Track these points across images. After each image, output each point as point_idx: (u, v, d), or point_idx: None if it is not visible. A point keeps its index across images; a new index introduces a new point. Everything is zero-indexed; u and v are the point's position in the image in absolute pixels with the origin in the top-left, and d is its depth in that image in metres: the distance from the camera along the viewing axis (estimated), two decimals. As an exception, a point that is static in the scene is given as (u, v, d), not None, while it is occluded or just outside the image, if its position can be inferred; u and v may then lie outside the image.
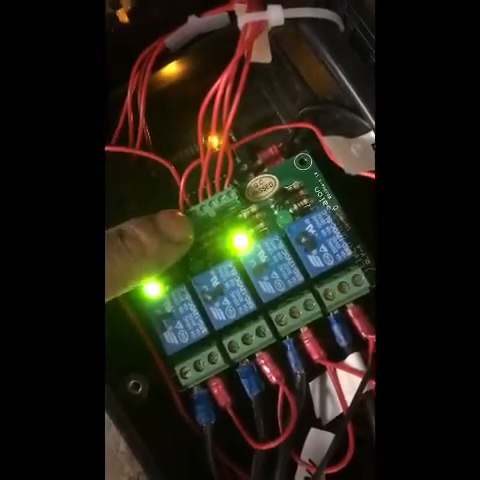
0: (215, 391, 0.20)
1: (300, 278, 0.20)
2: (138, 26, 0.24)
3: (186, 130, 0.24)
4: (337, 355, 0.21)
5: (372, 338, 0.20)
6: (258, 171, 0.23)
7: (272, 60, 0.21)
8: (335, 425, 0.21)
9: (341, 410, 0.21)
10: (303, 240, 0.21)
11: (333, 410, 0.21)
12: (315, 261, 0.20)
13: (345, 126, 0.22)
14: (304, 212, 0.22)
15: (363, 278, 0.20)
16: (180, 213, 0.21)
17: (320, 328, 0.21)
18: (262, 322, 0.20)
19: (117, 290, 0.18)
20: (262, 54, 0.20)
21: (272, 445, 0.19)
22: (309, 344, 0.21)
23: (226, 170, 0.22)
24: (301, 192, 0.23)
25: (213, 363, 0.20)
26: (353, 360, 0.20)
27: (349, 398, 0.20)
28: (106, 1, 0.23)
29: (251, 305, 0.20)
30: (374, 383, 0.20)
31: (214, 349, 0.20)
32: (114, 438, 0.28)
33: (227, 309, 0.20)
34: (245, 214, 0.23)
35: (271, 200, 0.23)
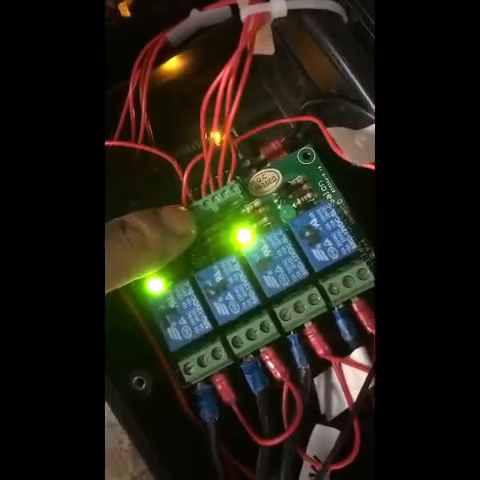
0: (219, 387, 0.20)
1: (304, 272, 0.20)
2: (140, 20, 0.24)
3: (188, 125, 0.24)
4: (342, 350, 0.21)
5: (377, 333, 0.20)
6: (261, 166, 0.23)
7: (274, 53, 0.21)
8: (340, 421, 0.21)
9: (346, 406, 0.20)
10: (307, 234, 0.21)
11: (338, 406, 0.21)
12: (319, 255, 0.20)
13: (349, 118, 0.22)
14: (308, 206, 0.22)
15: (368, 272, 0.20)
16: (183, 207, 0.21)
17: (325, 323, 0.20)
18: (266, 317, 0.20)
19: (118, 281, 0.18)
20: (265, 46, 0.20)
21: (277, 441, 0.19)
22: (314, 339, 0.20)
23: (228, 165, 0.22)
24: (304, 186, 0.23)
25: (217, 359, 0.20)
26: (358, 355, 0.20)
27: (355, 393, 0.20)
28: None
29: (255, 300, 0.20)
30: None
31: (218, 345, 0.20)
32: (118, 437, 0.28)
33: (231, 304, 0.20)
34: (248, 209, 0.22)
35: (274, 194, 0.22)
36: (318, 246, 0.20)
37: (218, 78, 0.20)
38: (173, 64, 0.25)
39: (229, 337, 0.20)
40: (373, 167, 0.21)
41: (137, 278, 0.19)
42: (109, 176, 0.23)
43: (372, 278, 0.20)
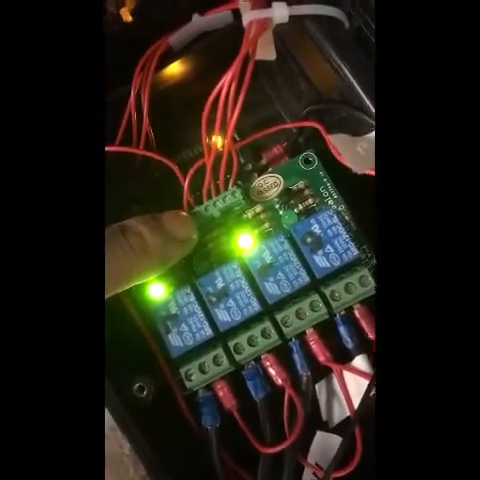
0: (220, 393, 0.20)
1: (306, 279, 0.20)
2: (141, 25, 0.24)
3: (190, 129, 0.24)
4: (344, 357, 0.20)
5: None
6: (262, 171, 0.23)
7: (276, 58, 0.21)
8: (342, 428, 0.20)
9: (348, 413, 0.20)
10: (309, 240, 0.20)
11: (340, 413, 0.21)
12: (321, 261, 0.20)
13: (351, 124, 0.22)
14: (309, 212, 0.22)
15: (370, 278, 0.20)
16: (184, 213, 0.21)
17: (326, 329, 0.20)
18: (268, 323, 0.20)
19: (119, 286, 0.18)
20: (267, 51, 0.20)
21: (278, 449, 0.19)
22: (315, 346, 0.20)
23: (230, 170, 0.22)
24: (306, 192, 0.23)
25: (218, 365, 0.20)
26: (360, 362, 0.20)
27: (356, 400, 0.20)
28: (109, 0, 0.23)
29: (256, 306, 0.20)
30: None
31: (219, 351, 0.20)
32: (119, 441, 0.28)
33: (232, 310, 0.20)
34: (250, 214, 0.22)
35: (276, 200, 0.22)
36: (320, 252, 0.20)
37: (220, 83, 0.20)
38: (175, 69, 0.25)
39: (230, 343, 0.20)
40: (374, 173, 0.21)
41: (138, 283, 0.19)
42: (111, 181, 0.23)
43: (374, 285, 0.20)
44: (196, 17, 0.23)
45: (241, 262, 0.21)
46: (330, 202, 0.22)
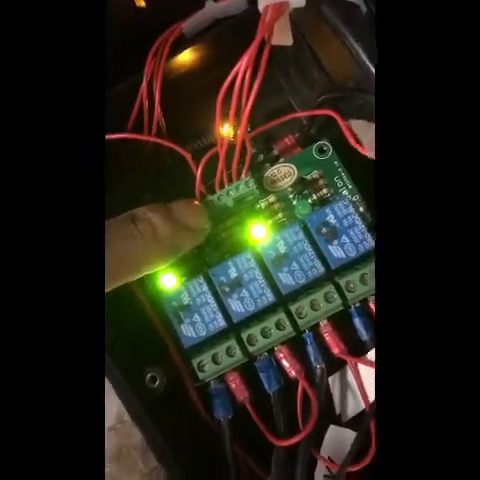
0: (233, 385, 0.20)
1: (321, 269, 0.20)
2: (155, 11, 0.23)
3: (202, 118, 0.24)
4: (358, 349, 0.20)
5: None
6: (274, 162, 0.23)
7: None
8: (356, 422, 0.20)
9: (362, 406, 0.20)
10: (324, 230, 0.20)
11: (354, 406, 0.21)
12: (336, 252, 0.20)
13: (367, 111, 0.21)
14: (323, 202, 0.22)
15: (386, 270, 0.19)
16: (196, 201, 0.21)
17: (341, 321, 0.20)
18: (282, 315, 0.19)
19: (129, 274, 0.18)
20: (283, 37, 0.20)
21: (292, 441, 0.19)
22: (329, 338, 0.20)
23: (242, 159, 0.22)
24: (320, 182, 0.22)
25: (231, 356, 0.19)
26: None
27: (371, 394, 0.20)
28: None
29: (270, 297, 0.20)
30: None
31: (232, 342, 0.19)
32: (127, 434, 0.27)
33: (246, 301, 0.20)
34: (263, 204, 0.22)
35: (289, 190, 0.22)
36: (335, 242, 0.20)
37: (235, 69, 0.19)
38: (187, 56, 0.24)
39: (244, 335, 0.19)
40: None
41: (148, 272, 0.19)
42: (122, 169, 0.23)
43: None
44: (209, 3, 0.23)
45: (255, 252, 0.20)
46: (345, 192, 0.22)
